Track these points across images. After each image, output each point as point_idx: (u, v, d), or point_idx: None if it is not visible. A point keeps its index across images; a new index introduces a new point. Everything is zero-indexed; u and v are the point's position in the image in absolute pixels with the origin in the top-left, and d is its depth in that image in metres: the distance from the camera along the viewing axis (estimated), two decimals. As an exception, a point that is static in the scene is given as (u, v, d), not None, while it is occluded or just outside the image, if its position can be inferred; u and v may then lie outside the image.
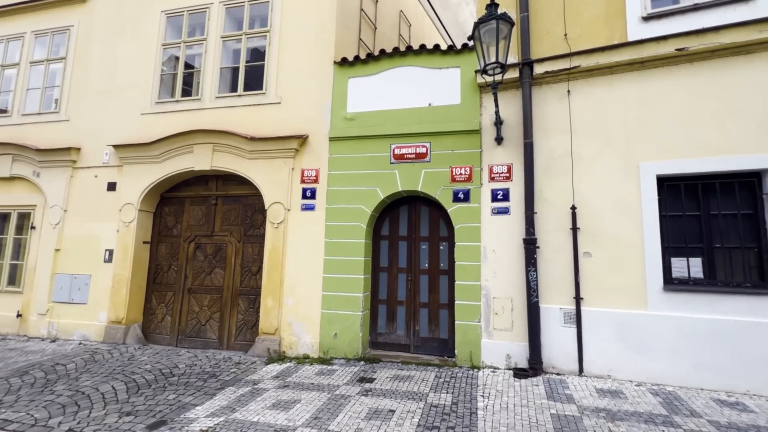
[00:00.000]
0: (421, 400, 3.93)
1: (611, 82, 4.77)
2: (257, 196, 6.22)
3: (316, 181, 5.87)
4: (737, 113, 4.26)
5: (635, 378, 4.29)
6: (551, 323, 4.66)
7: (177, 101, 6.73)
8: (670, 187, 4.51)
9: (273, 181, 5.99)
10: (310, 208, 5.85)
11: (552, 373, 4.58)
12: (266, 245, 5.90)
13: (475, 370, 4.82)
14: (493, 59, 4.47)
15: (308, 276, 5.69)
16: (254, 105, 6.30)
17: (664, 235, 4.41)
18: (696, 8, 4.48)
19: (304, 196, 5.88)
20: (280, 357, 5.50)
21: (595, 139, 4.75)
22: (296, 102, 6.11)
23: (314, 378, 4.67)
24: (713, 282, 4.27)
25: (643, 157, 4.52)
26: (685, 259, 4.38)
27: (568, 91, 4.92)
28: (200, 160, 6.31)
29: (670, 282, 4.37)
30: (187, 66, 6.99)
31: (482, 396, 3.99)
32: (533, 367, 4.58)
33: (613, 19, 4.84)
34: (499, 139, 5.16)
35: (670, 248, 4.43)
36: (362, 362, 5.23)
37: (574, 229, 4.68)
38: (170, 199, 6.84)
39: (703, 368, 4.08)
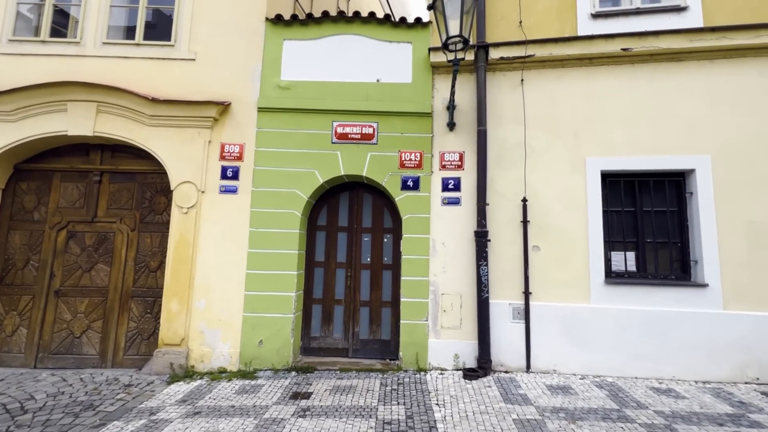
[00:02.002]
0: (371, 416, 3.35)
1: (562, 75, 4.75)
2: (159, 173, 4.97)
3: (239, 158, 4.87)
4: (668, 116, 4.52)
5: (578, 371, 4.30)
6: (500, 319, 4.47)
7: (44, 42, 5.05)
8: (611, 182, 4.64)
9: (182, 156, 4.82)
10: (232, 190, 4.84)
11: (500, 371, 4.40)
12: (171, 235, 4.72)
13: (422, 373, 4.42)
14: (454, 33, 4.06)
15: (227, 273, 4.69)
16: (158, 59, 5.01)
17: (605, 230, 4.51)
18: (638, 12, 4.67)
19: (224, 176, 4.84)
20: (188, 373, 4.43)
21: (546, 132, 4.69)
22: (216, 61, 5.01)
23: (235, 398, 3.78)
24: (645, 275, 4.49)
25: (589, 152, 4.58)
26: (623, 253, 4.55)
27: (522, 80, 4.79)
28: (77, 122, 4.80)
29: (610, 275, 4.49)
30: (61, -1, 5.31)
31: (437, 405, 3.58)
32: (482, 366, 4.33)
33: (565, 12, 4.82)
34: (451, 125, 4.82)
35: (610, 242, 4.56)
36: (294, 373, 4.46)
37: (525, 222, 4.55)
38: (30, 173, 5.13)
39: (637, 357, 4.24)
